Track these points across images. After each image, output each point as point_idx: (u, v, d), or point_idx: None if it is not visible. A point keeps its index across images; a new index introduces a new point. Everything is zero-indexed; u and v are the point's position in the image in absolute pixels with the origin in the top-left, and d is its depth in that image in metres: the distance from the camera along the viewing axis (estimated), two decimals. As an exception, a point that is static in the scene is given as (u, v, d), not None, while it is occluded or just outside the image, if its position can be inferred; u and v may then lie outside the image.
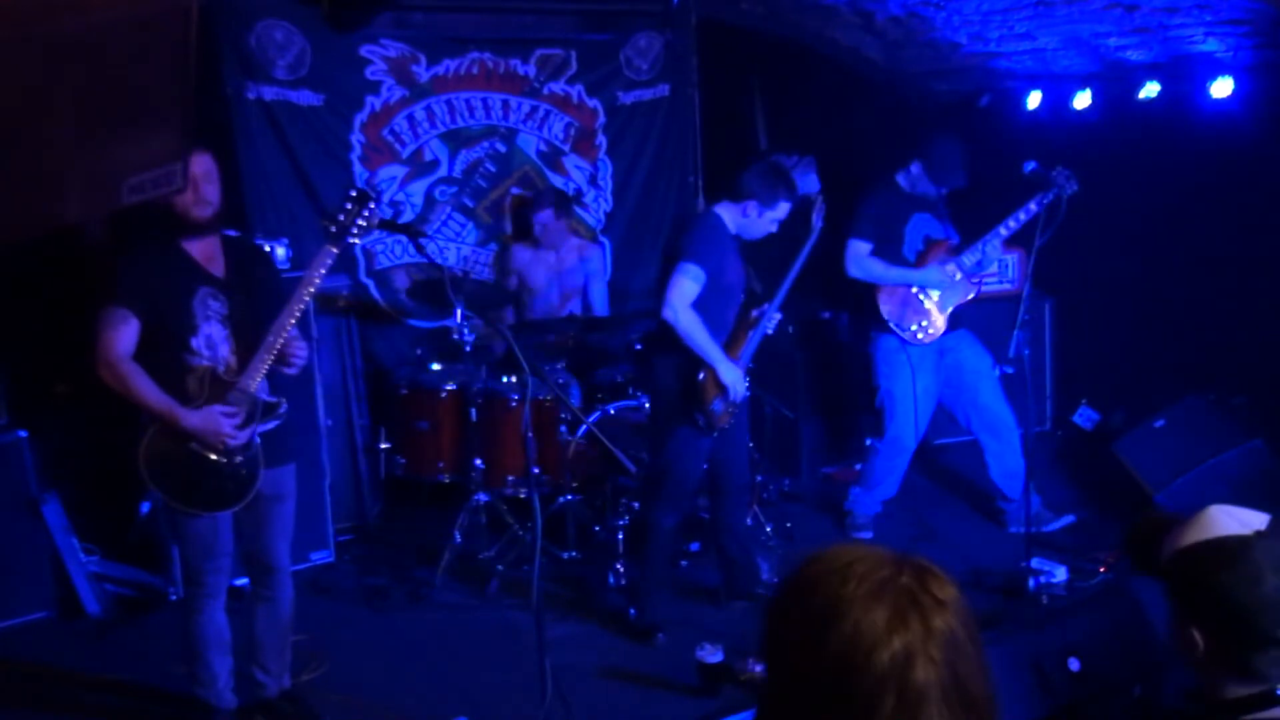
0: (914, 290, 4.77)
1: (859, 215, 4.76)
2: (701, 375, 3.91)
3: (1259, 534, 1.58)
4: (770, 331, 4.22)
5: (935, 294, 4.77)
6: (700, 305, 3.87)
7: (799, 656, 1.13)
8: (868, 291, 4.79)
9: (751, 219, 3.99)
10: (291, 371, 3.23)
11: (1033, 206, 4.50)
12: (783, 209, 4.00)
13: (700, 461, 4.12)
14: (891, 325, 4.76)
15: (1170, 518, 1.71)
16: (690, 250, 3.87)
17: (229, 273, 3.22)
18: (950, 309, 4.78)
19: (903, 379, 4.79)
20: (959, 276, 4.76)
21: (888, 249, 4.74)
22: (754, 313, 4.11)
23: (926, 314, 4.77)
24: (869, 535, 4.98)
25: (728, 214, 4.02)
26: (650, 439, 4.26)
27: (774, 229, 4.06)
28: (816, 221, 4.17)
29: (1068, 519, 4.93)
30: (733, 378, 3.94)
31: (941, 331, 4.79)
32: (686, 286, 3.83)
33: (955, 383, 4.92)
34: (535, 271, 5.48)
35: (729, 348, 4.03)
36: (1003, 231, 4.68)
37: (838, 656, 1.09)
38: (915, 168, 4.76)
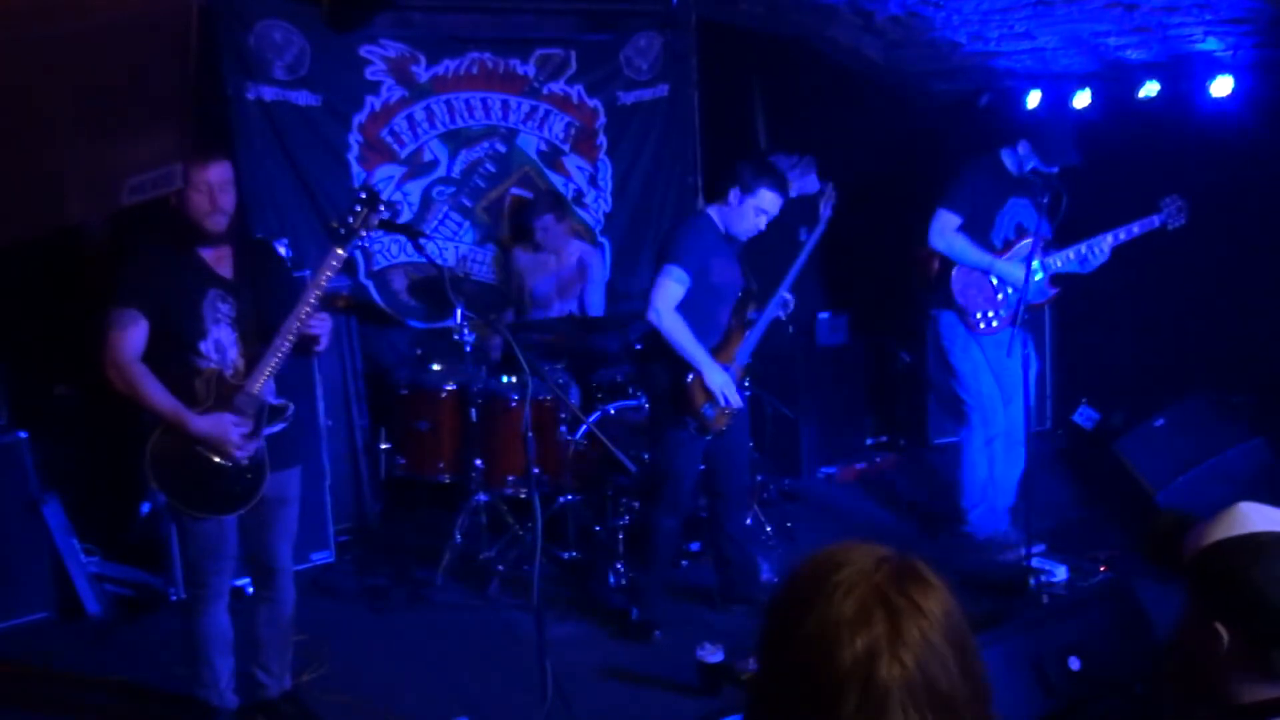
0: (991, 278, 4.55)
1: (956, 184, 4.52)
2: (689, 378, 3.90)
3: None
4: (784, 316, 4.20)
5: (1010, 288, 4.51)
6: (688, 306, 3.87)
7: (772, 651, 1.14)
8: (941, 265, 4.59)
9: (733, 208, 3.93)
10: (318, 348, 3.20)
11: (1135, 228, 4.38)
12: (766, 198, 3.91)
13: (695, 463, 4.10)
14: (958, 305, 4.56)
15: (1189, 516, 1.71)
16: (673, 252, 3.88)
17: (238, 274, 3.19)
18: (1021, 307, 4.38)
19: (973, 355, 4.60)
20: (1040, 276, 4.50)
21: (976, 227, 4.52)
22: (750, 314, 4.08)
23: (996, 306, 4.56)
24: (1011, 555, 4.52)
25: (717, 212, 4.01)
26: (649, 440, 4.26)
27: (762, 225, 3.99)
28: (825, 211, 4.14)
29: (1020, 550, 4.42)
30: (719, 381, 3.89)
31: (1003, 328, 4.54)
32: (670, 288, 3.84)
33: (996, 380, 4.72)
34: (536, 275, 5.49)
35: (723, 349, 4.00)
36: (1105, 243, 4.46)
37: (802, 652, 1.09)
38: (1023, 146, 4.49)
